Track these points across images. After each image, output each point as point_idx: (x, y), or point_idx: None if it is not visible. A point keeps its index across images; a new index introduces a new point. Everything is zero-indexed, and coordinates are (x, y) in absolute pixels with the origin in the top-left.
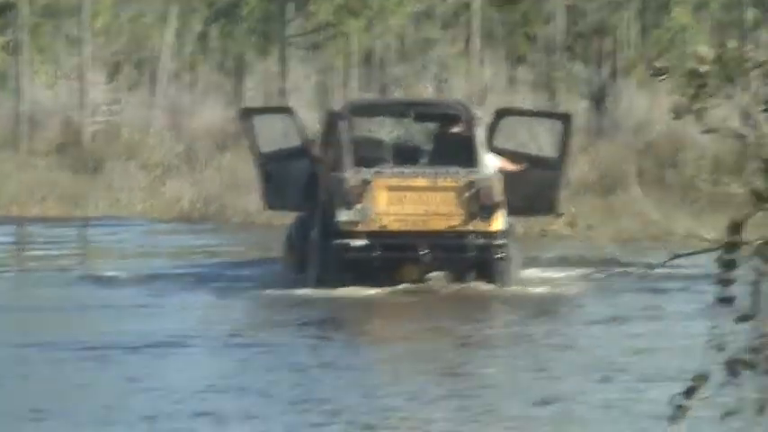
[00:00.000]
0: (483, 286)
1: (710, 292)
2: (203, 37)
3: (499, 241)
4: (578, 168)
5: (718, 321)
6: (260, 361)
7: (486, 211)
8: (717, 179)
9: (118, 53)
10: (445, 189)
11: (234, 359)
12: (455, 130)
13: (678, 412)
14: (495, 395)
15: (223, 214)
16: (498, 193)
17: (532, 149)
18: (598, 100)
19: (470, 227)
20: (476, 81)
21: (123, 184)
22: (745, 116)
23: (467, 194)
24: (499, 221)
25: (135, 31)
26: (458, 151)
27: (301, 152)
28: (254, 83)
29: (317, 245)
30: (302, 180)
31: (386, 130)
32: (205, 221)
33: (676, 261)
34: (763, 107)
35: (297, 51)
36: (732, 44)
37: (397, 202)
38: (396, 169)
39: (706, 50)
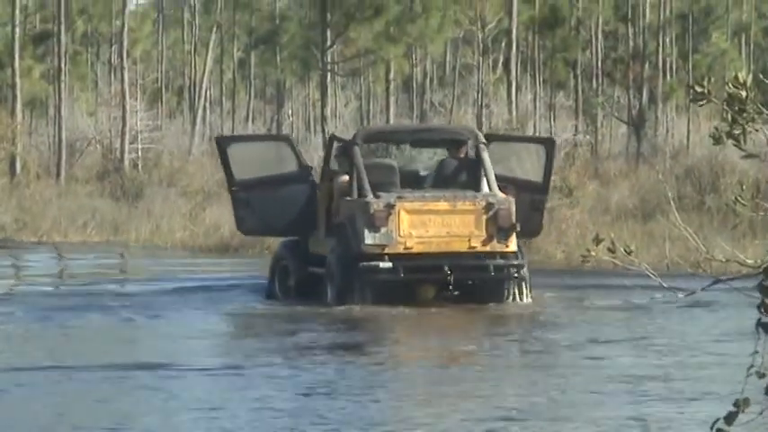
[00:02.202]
0: (507, 306)
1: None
2: (243, 64)
3: (517, 261)
4: (618, 194)
5: (759, 346)
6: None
7: (504, 233)
8: (757, 204)
9: (157, 80)
10: (465, 212)
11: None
12: (462, 154)
13: None
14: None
15: (263, 242)
16: (514, 214)
17: (518, 173)
18: (637, 125)
19: (488, 248)
20: (515, 107)
21: (164, 212)
22: None
23: (485, 216)
24: (515, 242)
25: (175, 59)
26: (467, 175)
27: (296, 178)
28: (294, 109)
29: (339, 267)
30: (297, 205)
31: (389, 156)
32: (244, 249)
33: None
34: None
35: (336, 78)
36: None
37: (420, 225)
38: (417, 193)
39: (744, 75)
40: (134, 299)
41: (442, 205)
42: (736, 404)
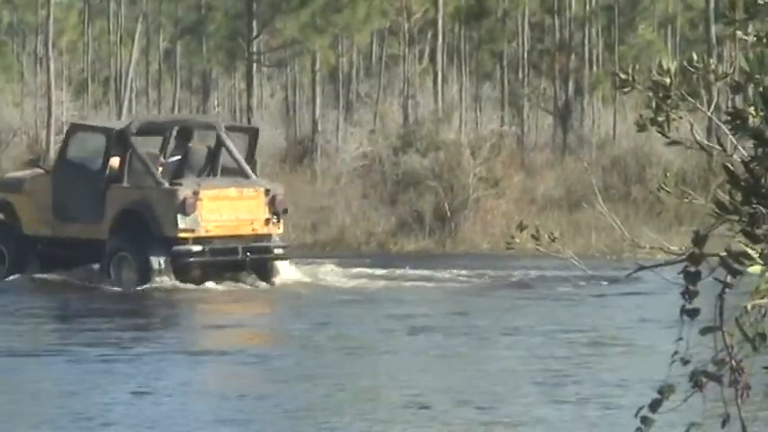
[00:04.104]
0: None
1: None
2: (169, 54)
3: (285, 243)
4: (544, 184)
5: (683, 333)
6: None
7: (278, 217)
8: (682, 193)
9: (84, 71)
10: (250, 198)
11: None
12: (210, 144)
13: (644, 425)
14: None
15: None
16: (285, 200)
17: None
18: (563, 116)
19: (266, 230)
20: (441, 98)
21: None
22: (710, 129)
23: (264, 202)
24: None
25: (101, 49)
26: (215, 161)
27: (90, 170)
28: (220, 99)
29: (142, 250)
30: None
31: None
32: None
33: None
34: (727, 119)
35: (262, 68)
36: (695, 57)
37: (216, 210)
38: (212, 181)
39: (669, 62)
40: None
41: (232, 192)
42: (660, 391)
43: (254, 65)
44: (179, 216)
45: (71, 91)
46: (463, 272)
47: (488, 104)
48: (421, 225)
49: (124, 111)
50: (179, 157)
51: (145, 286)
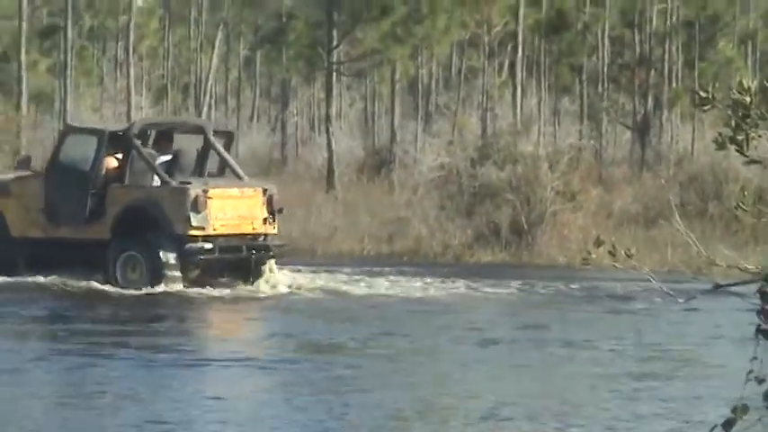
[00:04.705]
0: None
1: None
2: (249, 62)
3: (282, 242)
4: (621, 199)
5: (758, 353)
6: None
7: (273, 216)
8: (759, 212)
9: (163, 77)
10: (250, 197)
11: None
12: (200, 145)
13: None
14: None
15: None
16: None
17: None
18: (642, 131)
19: (264, 229)
20: (519, 111)
21: None
22: None
23: (262, 201)
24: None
25: (181, 55)
26: (207, 162)
27: (84, 170)
28: (299, 108)
29: (154, 249)
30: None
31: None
32: None
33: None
34: None
35: (342, 78)
36: None
37: (221, 209)
38: (215, 180)
39: (749, 81)
40: None
41: (235, 191)
42: (733, 410)
43: (334, 74)
44: (191, 214)
45: (150, 96)
46: (538, 284)
47: (567, 118)
48: (497, 237)
49: (203, 117)
50: (169, 157)
51: (157, 287)
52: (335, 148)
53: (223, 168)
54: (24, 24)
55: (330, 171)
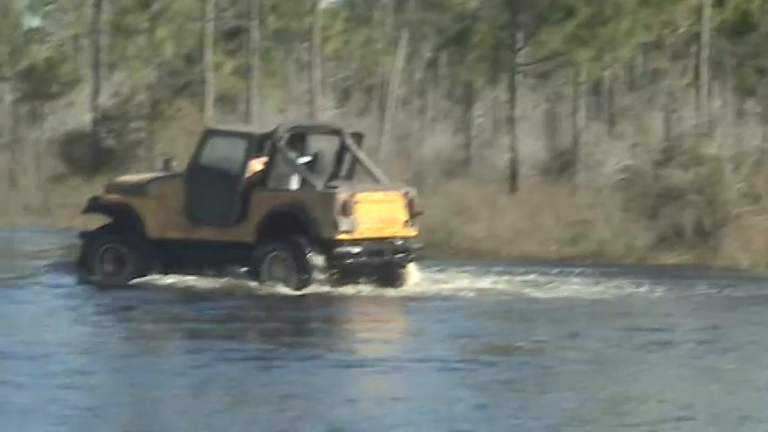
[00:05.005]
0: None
1: None
2: (433, 63)
3: (421, 245)
4: None
5: None
6: None
7: (413, 219)
8: None
9: (348, 78)
10: (393, 201)
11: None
12: (337, 148)
13: None
14: None
15: (449, 242)
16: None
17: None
18: None
19: (404, 233)
20: (704, 112)
21: None
22: None
23: (403, 204)
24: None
25: (365, 57)
26: (346, 167)
27: (229, 173)
28: (483, 110)
29: (304, 252)
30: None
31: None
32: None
33: None
34: None
35: (526, 80)
36: None
37: (366, 213)
38: (360, 184)
39: None
40: None
41: (379, 195)
42: None
43: (518, 76)
44: (340, 218)
45: (335, 98)
46: (725, 287)
47: (752, 120)
48: (681, 240)
49: (387, 119)
50: (308, 159)
51: (307, 288)
52: (519, 149)
53: (353, 171)
54: (210, 26)
55: (513, 173)
